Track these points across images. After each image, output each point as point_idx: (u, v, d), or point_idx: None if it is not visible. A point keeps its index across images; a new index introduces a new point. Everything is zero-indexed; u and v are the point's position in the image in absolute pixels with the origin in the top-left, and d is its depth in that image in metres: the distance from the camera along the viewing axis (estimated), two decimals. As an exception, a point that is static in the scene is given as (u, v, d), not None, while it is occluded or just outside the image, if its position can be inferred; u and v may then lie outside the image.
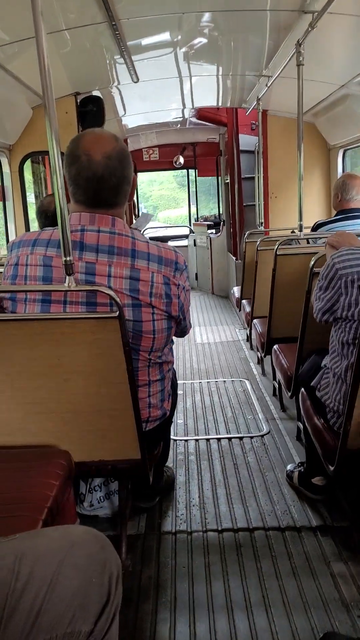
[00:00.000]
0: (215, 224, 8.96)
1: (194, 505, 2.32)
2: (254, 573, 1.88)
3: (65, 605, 0.92)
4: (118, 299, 1.49)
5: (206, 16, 3.09)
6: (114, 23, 2.67)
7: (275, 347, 3.06)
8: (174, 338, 1.89)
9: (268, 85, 4.21)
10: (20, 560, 0.93)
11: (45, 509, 1.27)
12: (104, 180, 1.57)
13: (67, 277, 1.50)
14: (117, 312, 1.50)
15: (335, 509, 2.24)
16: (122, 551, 1.94)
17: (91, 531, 1.04)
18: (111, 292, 1.49)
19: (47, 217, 2.68)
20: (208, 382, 4.03)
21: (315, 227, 4.09)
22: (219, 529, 2.15)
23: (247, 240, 4.45)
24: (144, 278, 1.61)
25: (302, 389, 2.35)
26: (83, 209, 1.63)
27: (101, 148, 1.58)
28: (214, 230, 8.60)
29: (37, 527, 1.21)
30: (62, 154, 1.50)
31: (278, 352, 2.97)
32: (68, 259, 1.48)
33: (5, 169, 4.07)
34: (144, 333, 1.67)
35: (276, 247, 3.04)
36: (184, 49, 3.72)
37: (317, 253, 2.39)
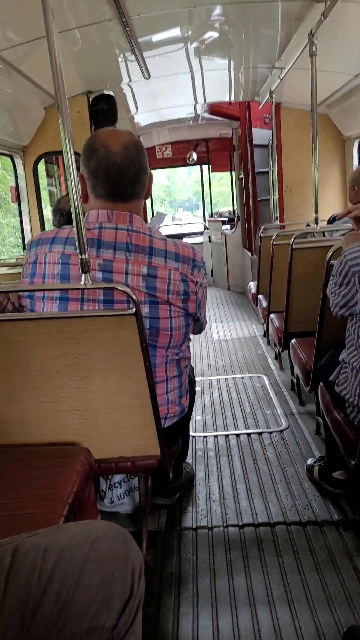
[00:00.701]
0: (230, 220, 8.93)
1: (214, 501, 2.32)
2: (276, 568, 1.87)
3: (89, 600, 0.92)
4: (134, 296, 1.48)
5: (216, 9, 3.07)
6: (124, 19, 2.66)
7: (293, 341, 3.04)
8: (191, 335, 1.89)
9: (281, 77, 4.17)
10: (43, 555, 0.94)
11: (67, 505, 1.28)
12: (123, 170, 1.59)
13: (84, 275, 1.50)
14: (134, 309, 1.50)
15: (356, 503, 2.22)
16: (143, 547, 1.94)
17: (113, 526, 1.04)
18: (127, 289, 1.49)
19: (62, 215, 2.70)
20: (226, 378, 4.02)
21: (332, 220, 4.05)
22: (240, 524, 2.14)
23: (262, 235, 4.43)
24: (161, 275, 1.61)
25: (321, 383, 2.34)
26: (103, 203, 1.63)
27: (118, 140, 1.60)
28: (228, 227, 8.57)
29: (58, 523, 1.22)
30: (75, 153, 1.51)
31: (296, 347, 2.95)
32: (84, 257, 1.48)
33: (20, 170, 4.09)
34: (161, 330, 1.67)
35: (292, 240, 3.02)
36: (194, 44, 3.70)
37: (332, 245, 2.36)
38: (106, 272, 1.61)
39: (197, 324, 1.85)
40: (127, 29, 2.83)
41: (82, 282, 1.51)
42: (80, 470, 1.47)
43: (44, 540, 0.97)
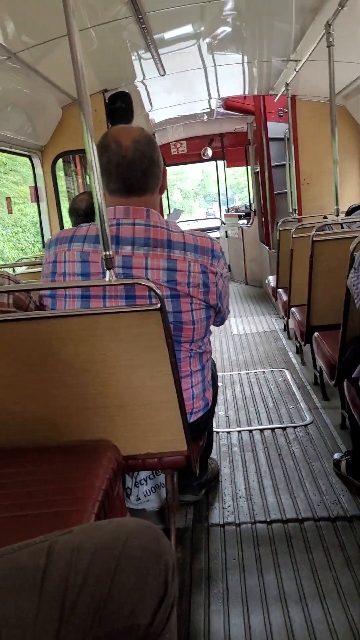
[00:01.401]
0: (246, 214, 8.88)
1: (240, 497, 2.31)
2: (306, 564, 1.85)
3: (124, 599, 0.92)
4: (158, 291, 1.48)
5: (230, 3, 3.05)
6: (140, 17, 2.66)
7: (316, 334, 3.01)
8: (212, 328, 1.88)
9: (297, 69, 4.13)
10: (77, 554, 0.93)
11: (98, 502, 1.28)
12: (134, 164, 1.59)
13: (108, 271, 1.50)
14: (159, 304, 1.49)
15: (386, 497, 2.19)
16: (171, 544, 1.93)
17: (144, 523, 1.03)
18: (151, 284, 1.48)
19: (79, 215, 2.70)
20: (247, 373, 4.00)
21: (350, 211, 4.00)
22: (268, 520, 2.13)
23: (280, 229, 4.39)
24: (181, 268, 1.61)
25: (346, 380, 2.30)
26: (117, 199, 1.63)
27: (128, 135, 1.61)
28: (245, 221, 8.52)
29: (90, 520, 1.22)
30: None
31: (319, 340, 2.92)
32: (108, 253, 1.48)
33: (38, 170, 4.12)
34: (184, 324, 1.66)
35: (312, 233, 2.98)
36: (208, 39, 3.69)
37: (356, 237, 2.33)
38: (126, 268, 1.60)
39: (218, 315, 1.84)
40: (143, 26, 2.82)
41: (107, 279, 1.50)
42: (109, 467, 1.47)
43: (77, 538, 0.96)
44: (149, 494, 2.18)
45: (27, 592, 0.86)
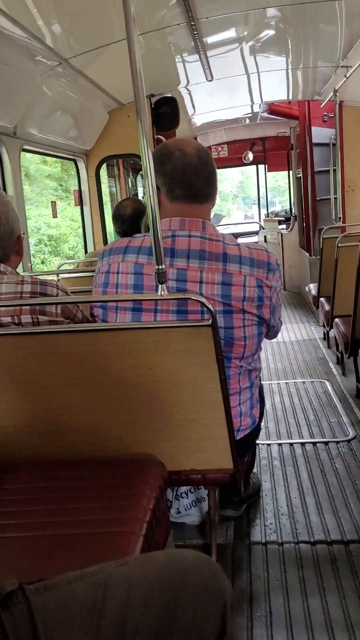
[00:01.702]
0: (286, 219, 8.77)
1: (282, 515, 2.26)
2: (353, 590, 1.78)
3: (182, 637, 0.88)
4: (211, 307, 1.45)
5: (275, 10, 3.01)
6: (192, 23, 2.64)
7: (362, 348, 2.93)
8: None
9: (347, 76, 4.04)
10: (134, 588, 0.90)
11: (145, 523, 1.26)
12: (198, 170, 1.62)
13: (160, 285, 1.48)
14: (210, 320, 1.46)
15: None
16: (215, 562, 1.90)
17: (202, 557, 1.00)
18: (203, 300, 1.45)
19: (124, 221, 2.69)
20: (287, 382, 3.93)
21: None
22: (312, 540, 2.07)
23: (324, 237, 4.30)
24: (236, 282, 1.58)
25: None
26: (180, 205, 1.64)
27: (189, 144, 1.67)
28: (284, 226, 8.42)
29: (138, 543, 1.19)
30: (136, 156, 1.50)
31: (365, 354, 2.84)
32: (161, 267, 1.46)
33: (83, 174, 4.15)
34: (235, 340, 1.63)
35: (360, 243, 2.91)
36: (253, 44, 3.65)
37: None
38: (180, 282, 1.58)
39: (272, 330, 1.81)
40: (195, 32, 2.80)
41: (159, 293, 1.48)
42: (155, 484, 1.44)
43: (134, 572, 0.93)
44: (189, 507, 2.15)
45: (84, 627, 0.83)
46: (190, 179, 1.62)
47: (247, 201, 31.59)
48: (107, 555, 1.00)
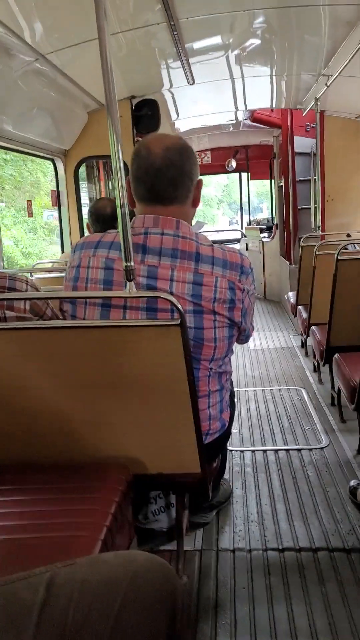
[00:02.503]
0: (268, 228, 8.81)
1: (252, 521, 2.22)
2: (319, 598, 1.76)
3: (128, 639, 0.85)
4: (180, 306, 1.42)
5: (261, 15, 3.01)
6: (172, 23, 2.62)
7: (337, 356, 2.92)
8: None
9: (328, 84, 4.07)
10: (80, 589, 0.86)
11: (104, 528, 1.21)
12: (161, 172, 1.55)
13: (128, 282, 1.44)
14: (179, 320, 1.43)
15: None
16: (179, 568, 1.86)
17: (154, 559, 0.96)
18: (172, 299, 1.42)
19: (105, 221, 2.65)
20: (263, 390, 3.92)
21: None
22: (280, 547, 2.04)
23: (303, 245, 4.31)
24: (207, 283, 1.55)
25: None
26: (145, 206, 1.60)
27: (162, 142, 1.57)
28: (266, 234, 8.45)
29: (96, 547, 1.15)
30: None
31: (339, 362, 2.83)
32: (129, 264, 1.43)
33: (61, 173, 4.10)
34: (205, 341, 1.60)
35: (337, 251, 2.91)
36: (238, 50, 3.65)
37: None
38: (150, 279, 1.55)
39: (243, 334, 1.77)
40: (175, 33, 2.79)
41: (127, 290, 1.45)
42: (118, 489, 1.40)
43: (81, 572, 0.89)
44: (157, 513, 2.10)
45: (22, 627, 0.79)
46: (151, 181, 1.56)
47: (233, 206, 30.29)
48: (61, 559, 0.95)
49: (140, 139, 4.05)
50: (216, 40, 3.41)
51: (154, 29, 2.81)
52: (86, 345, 1.50)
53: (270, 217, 9.88)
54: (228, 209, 31.91)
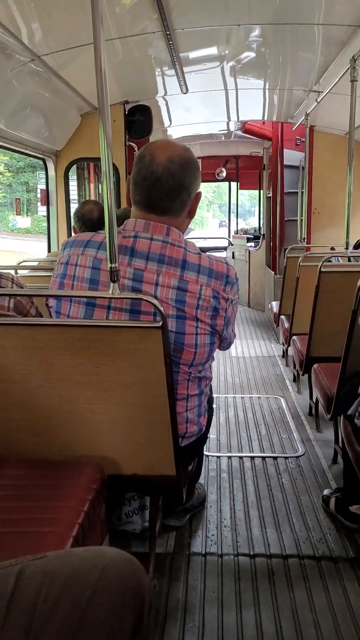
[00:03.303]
0: (255, 237, 8.89)
1: (225, 526, 2.24)
2: (287, 604, 1.78)
3: (95, 632, 0.86)
4: (162, 309, 1.44)
5: (256, 30, 3.06)
6: (168, 33, 2.66)
7: (315, 366, 2.96)
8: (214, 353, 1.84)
9: (318, 101, 4.14)
10: (49, 581, 0.88)
11: (77, 525, 1.23)
12: (160, 182, 1.56)
13: (112, 284, 1.47)
14: (161, 322, 1.46)
15: (374, 540, 2.13)
16: (150, 570, 1.87)
17: (124, 554, 0.98)
18: (155, 301, 1.44)
19: (94, 224, 2.67)
20: (242, 397, 3.95)
21: (357, 245, 4.00)
22: (251, 553, 2.06)
23: (288, 255, 4.37)
24: (192, 290, 1.57)
25: (343, 415, 2.25)
26: (139, 212, 1.61)
27: (167, 152, 1.57)
28: (253, 244, 8.53)
29: (67, 544, 1.16)
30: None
31: (318, 372, 2.87)
32: (114, 265, 1.45)
33: (51, 173, 4.11)
34: (185, 346, 1.62)
35: (320, 263, 2.96)
36: (232, 62, 3.70)
37: (366, 272, 2.30)
38: (136, 282, 1.57)
39: (224, 342, 1.80)
40: (170, 42, 2.82)
41: (110, 291, 1.47)
42: (92, 487, 1.41)
43: (51, 564, 0.91)
44: (131, 515, 2.11)
45: None
46: (148, 189, 1.57)
47: (224, 208, 28.50)
48: (32, 553, 0.96)
49: (132, 143, 4.08)
50: (211, 51, 3.46)
51: (150, 38, 2.84)
52: (67, 343, 1.52)
53: (257, 226, 9.98)
54: (219, 211, 30.83)
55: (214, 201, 31.22)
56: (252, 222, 15.63)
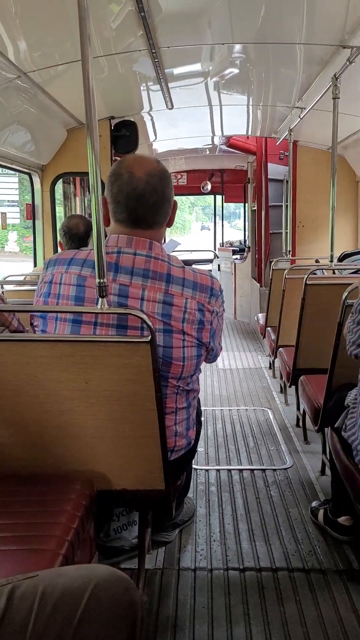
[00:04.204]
0: (240, 250, 8.96)
1: (214, 541, 2.24)
2: (278, 618, 1.78)
3: None
4: (150, 323, 1.45)
5: (239, 47, 3.12)
6: (154, 51, 2.70)
7: (302, 378, 2.98)
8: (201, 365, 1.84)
9: (301, 117, 4.22)
10: (40, 600, 0.88)
11: (66, 542, 1.22)
12: (144, 197, 1.57)
13: (100, 299, 1.47)
14: (149, 337, 1.46)
15: (362, 552, 2.13)
16: (139, 586, 1.86)
17: (115, 572, 0.98)
18: (144, 316, 1.45)
19: (80, 238, 2.68)
20: (230, 409, 3.95)
21: (342, 258, 4.06)
22: (241, 567, 2.06)
23: (274, 268, 4.41)
24: (177, 303, 1.58)
25: (330, 427, 2.27)
26: (123, 228, 1.62)
27: (143, 166, 1.59)
28: (238, 256, 8.59)
29: (57, 561, 1.15)
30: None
31: (305, 384, 2.89)
32: (102, 280, 1.46)
33: (37, 188, 4.12)
34: (173, 360, 1.62)
35: (306, 276, 2.99)
36: (216, 79, 3.77)
37: (351, 284, 2.33)
38: (122, 297, 1.57)
39: (210, 353, 1.81)
40: (156, 60, 2.87)
41: (99, 306, 1.48)
42: (81, 503, 1.41)
43: (42, 583, 0.91)
44: (120, 530, 2.10)
45: None
46: (133, 206, 1.58)
47: (207, 211, 27.37)
48: (22, 572, 0.95)
49: (118, 158, 4.11)
50: (196, 68, 3.52)
51: (135, 55, 2.88)
52: (55, 359, 1.52)
53: (243, 239, 10.06)
54: (201, 213, 29.38)
55: (196, 203, 30.04)
56: (238, 224, 15.50)
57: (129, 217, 1.60)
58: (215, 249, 9.97)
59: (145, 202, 1.58)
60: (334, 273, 3.82)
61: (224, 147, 7.22)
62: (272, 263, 4.62)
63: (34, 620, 0.85)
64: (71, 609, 0.88)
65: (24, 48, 2.57)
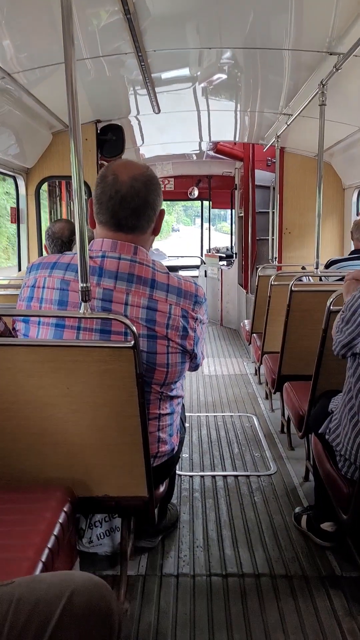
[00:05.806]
0: (227, 256, 8.98)
1: (197, 547, 2.22)
2: (259, 625, 1.77)
3: None
4: (134, 328, 1.44)
5: (227, 53, 3.13)
6: (140, 54, 2.70)
7: (287, 384, 2.99)
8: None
9: (288, 123, 4.25)
10: (16, 607, 0.86)
11: (46, 549, 1.20)
12: (125, 200, 1.56)
13: (83, 303, 1.46)
14: (132, 342, 1.45)
15: (344, 557, 2.13)
16: (121, 593, 1.84)
17: (92, 578, 0.96)
18: (127, 321, 1.44)
19: (64, 243, 2.66)
20: (215, 415, 3.94)
21: (328, 265, 4.08)
22: (224, 573, 2.05)
23: (260, 274, 4.42)
24: (162, 309, 1.57)
25: (314, 433, 2.27)
26: (106, 231, 1.61)
27: (129, 171, 1.58)
28: (225, 262, 8.61)
29: (36, 569, 1.13)
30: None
31: (289, 390, 2.90)
32: (85, 285, 1.44)
33: (22, 192, 4.09)
34: (157, 365, 1.61)
35: (291, 283, 3.00)
36: (204, 84, 3.77)
37: (335, 291, 2.34)
38: (105, 302, 1.56)
39: (193, 362, 1.80)
40: (142, 63, 2.86)
41: (82, 311, 1.46)
42: (62, 509, 1.39)
43: (18, 590, 0.89)
44: (102, 537, 2.08)
45: None
46: (114, 208, 1.57)
47: (190, 212, 25.62)
48: (0, 579, 0.93)
49: (104, 162, 4.10)
50: (183, 72, 3.52)
51: (122, 58, 2.88)
52: (36, 364, 1.50)
53: (229, 245, 10.09)
54: (183, 214, 27.61)
55: (178, 202, 27.97)
56: (224, 227, 15.46)
57: (111, 220, 1.59)
58: (202, 255, 9.99)
59: (126, 205, 1.56)
60: (320, 280, 3.84)
61: (211, 153, 7.25)
62: (259, 269, 4.64)
63: (9, 628, 0.84)
64: (46, 617, 0.86)
65: (9, 49, 2.55)
